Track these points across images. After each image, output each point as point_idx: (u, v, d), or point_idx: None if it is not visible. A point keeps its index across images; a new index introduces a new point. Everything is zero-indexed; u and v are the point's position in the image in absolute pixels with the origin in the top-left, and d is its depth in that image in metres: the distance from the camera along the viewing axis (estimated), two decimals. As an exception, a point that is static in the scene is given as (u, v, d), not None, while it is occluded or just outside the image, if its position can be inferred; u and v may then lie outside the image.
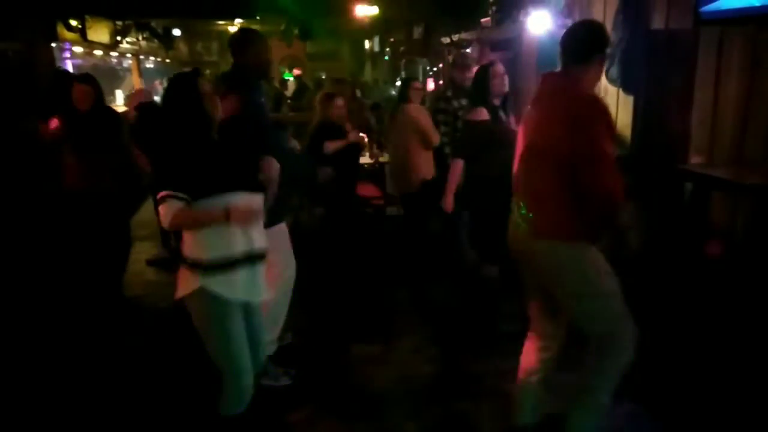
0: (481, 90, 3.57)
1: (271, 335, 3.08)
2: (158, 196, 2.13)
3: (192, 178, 2.12)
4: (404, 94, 4.60)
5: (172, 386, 3.22)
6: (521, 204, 2.38)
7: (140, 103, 4.49)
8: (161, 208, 2.12)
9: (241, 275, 2.20)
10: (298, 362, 3.34)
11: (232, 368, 2.27)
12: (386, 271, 4.78)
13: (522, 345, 2.63)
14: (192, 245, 2.19)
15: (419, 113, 4.43)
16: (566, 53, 2.30)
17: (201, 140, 2.20)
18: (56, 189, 4.02)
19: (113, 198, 4.07)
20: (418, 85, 4.69)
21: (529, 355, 2.58)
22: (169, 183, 2.11)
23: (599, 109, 2.15)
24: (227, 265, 2.17)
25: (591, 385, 2.36)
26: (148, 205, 4.89)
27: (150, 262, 5.32)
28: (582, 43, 2.28)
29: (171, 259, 5.30)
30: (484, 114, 3.51)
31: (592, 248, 2.28)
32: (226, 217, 2.11)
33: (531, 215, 2.31)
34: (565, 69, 2.31)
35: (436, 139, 4.37)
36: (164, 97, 2.35)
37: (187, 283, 2.20)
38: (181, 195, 2.10)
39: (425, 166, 4.45)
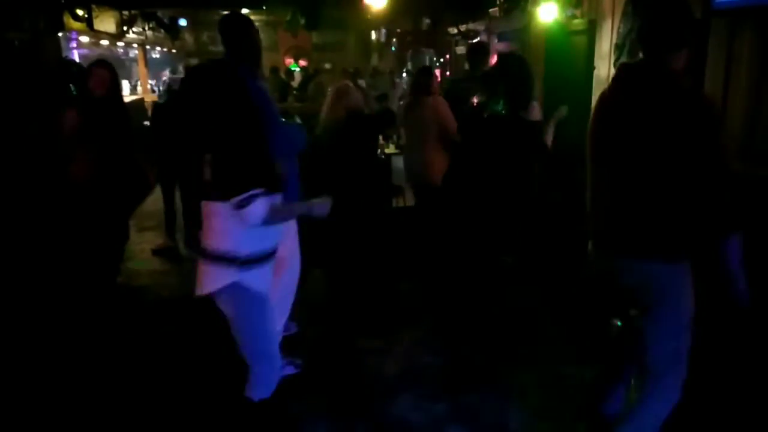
0: (528, 84, 3.45)
1: (277, 325, 3.09)
2: (246, 196, 2.10)
3: (273, 173, 2.21)
4: (426, 85, 4.44)
5: (180, 375, 3.23)
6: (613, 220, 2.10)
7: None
8: (255, 206, 2.11)
9: (266, 269, 2.30)
10: (303, 352, 3.34)
11: (266, 355, 2.37)
12: (393, 261, 4.77)
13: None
14: (227, 240, 2.20)
15: (444, 106, 4.31)
16: (653, 41, 1.97)
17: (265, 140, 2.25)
18: (59, 179, 4.00)
19: (116, 190, 4.06)
20: (436, 75, 4.58)
21: None
22: (255, 181, 2.12)
23: (708, 102, 1.95)
24: (261, 259, 2.25)
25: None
26: (152, 197, 4.89)
27: (156, 252, 5.34)
28: (668, 28, 1.96)
29: (176, 249, 5.37)
30: (537, 112, 3.45)
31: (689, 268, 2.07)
32: (310, 209, 2.33)
33: (635, 240, 2.04)
34: (656, 60, 1.97)
35: (455, 132, 4.27)
36: (220, 96, 2.27)
37: (218, 278, 2.22)
38: (266, 192, 2.14)
39: (444, 160, 4.38)
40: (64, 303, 3.96)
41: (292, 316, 3.39)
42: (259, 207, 2.12)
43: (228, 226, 2.18)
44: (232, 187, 2.11)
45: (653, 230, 1.98)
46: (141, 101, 9.98)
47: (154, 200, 5.38)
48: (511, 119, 3.43)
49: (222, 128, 2.17)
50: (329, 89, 4.27)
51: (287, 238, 3.11)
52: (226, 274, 2.20)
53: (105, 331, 3.72)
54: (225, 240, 2.20)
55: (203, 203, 2.25)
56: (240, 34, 2.82)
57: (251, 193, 2.09)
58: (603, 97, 2.17)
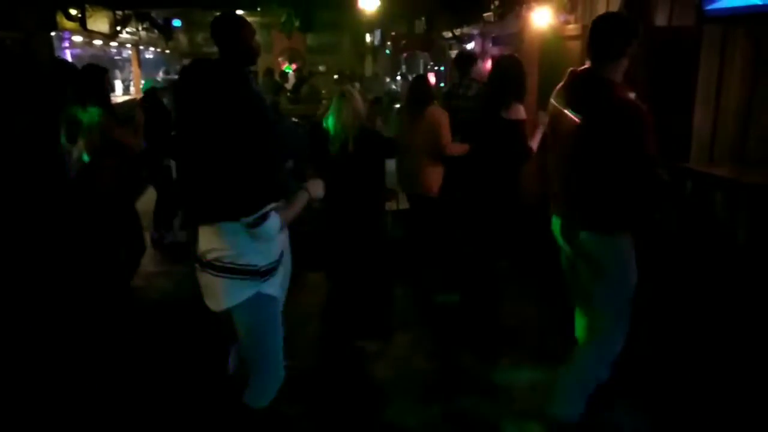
0: (510, 84, 3.47)
1: None
2: (259, 215, 2.04)
3: (278, 181, 2.20)
4: (429, 95, 4.39)
5: (171, 378, 3.22)
6: (562, 199, 2.51)
7: None
8: (269, 223, 2.07)
9: (278, 276, 2.33)
10: (296, 355, 3.33)
11: (273, 364, 2.37)
12: (387, 265, 4.76)
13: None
14: (245, 255, 2.15)
15: (443, 117, 4.26)
16: (597, 49, 2.26)
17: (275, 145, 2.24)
18: (86, 189, 3.93)
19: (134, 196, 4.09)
20: (430, 82, 4.57)
21: None
22: (265, 197, 2.07)
23: (643, 113, 2.19)
24: (276, 267, 2.27)
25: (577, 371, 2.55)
26: (143, 198, 4.88)
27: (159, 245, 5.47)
28: (614, 38, 2.24)
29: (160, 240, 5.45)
30: (523, 112, 3.46)
31: (630, 239, 2.42)
32: (309, 195, 2.33)
33: (573, 209, 2.45)
34: (597, 66, 2.28)
35: (449, 143, 4.26)
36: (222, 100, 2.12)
37: (241, 291, 2.19)
38: (277, 205, 2.13)
39: (440, 171, 4.37)
40: (71, 305, 3.95)
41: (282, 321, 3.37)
42: (274, 222, 2.10)
43: (244, 241, 2.13)
44: (242, 208, 2.04)
45: (596, 209, 2.36)
46: (134, 102, 9.94)
47: (146, 200, 5.37)
48: (487, 118, 3.44)
49: (225, 137, 2.03)
50: (331, 93, 4.24)
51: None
52: (249, 285, 2.19)
53: (106, 334, 3.71)
54: (243, 255, 2.16)
55: (207, 224, 2.17)
56: (233, 32, 2.76)
57: (263, 211, 2.05)
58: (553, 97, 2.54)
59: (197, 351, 3.50)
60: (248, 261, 2.16)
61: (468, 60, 5.20)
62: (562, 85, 2.49)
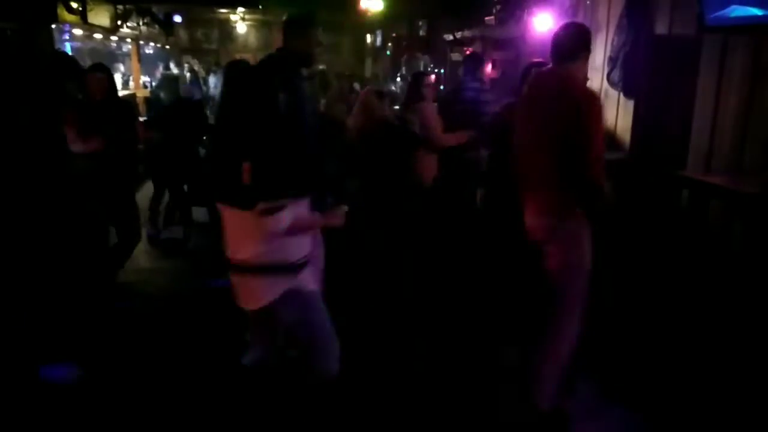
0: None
1: None
2: (272, 206, 2.08)
3: (301, 181, 2.18)
4: (419, 92, 4.45)
5: (168, 373, 3.21)
6: (529, 191, 2.66)
7: None
8: (280, 216, 2.09)
9: (312, 265, 2.38)
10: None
11: (330, 345, 2.39)
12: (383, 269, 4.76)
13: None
14: (276, 251, 2.18)
15: (429, 111, 4.34)
16: (558, 52, 2.54)
17: (305, 143, 2.23)
18: (59, 177, 3.93)
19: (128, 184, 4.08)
20: (429, 80, 4.62)
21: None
22: (281, 190, 2.10)
23: (596, 104, 2.39)
24: (306, 261, 2.30)
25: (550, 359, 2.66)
26: (140, 193, 4.87)
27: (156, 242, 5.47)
28: (573, 42, 2.53)
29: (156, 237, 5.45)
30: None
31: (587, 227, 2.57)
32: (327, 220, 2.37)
33: (536, 199, 2.60)
34: (558, 66, 2.54)
35: (440, 141, 4.32)
36: (248, 97, 2.18)
37: (274, 288, 2.23)
38: (288, 200, 2.12)
39: (432, 166, 4.41)
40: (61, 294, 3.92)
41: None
42: (282, 217, 2.10)
43: (272, 237, 2.15)
44: (261, 193, 2.09)
45: (549, 197, 2.54)
46: (132, 97, 9.91)
47: (142, 196, 5.35)
48: None
49: (261, 129, 2.11)
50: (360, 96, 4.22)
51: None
52: (282, 282, 2.22)
53: (97, 327, 3.69)
54: (274, 251, 2.18)
55: (236, 216, 2.19)
56: (302, 30, 2.65)
57: (278, 203, 2.08)
58: (522, 94, 2.82)
59: (194, 347, 3.50)
60: (279, 258, 2.19)
61: (476, 61, 5.27)
62: (529, 81, 2.80)
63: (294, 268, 2.24)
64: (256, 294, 2.24)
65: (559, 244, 2.58)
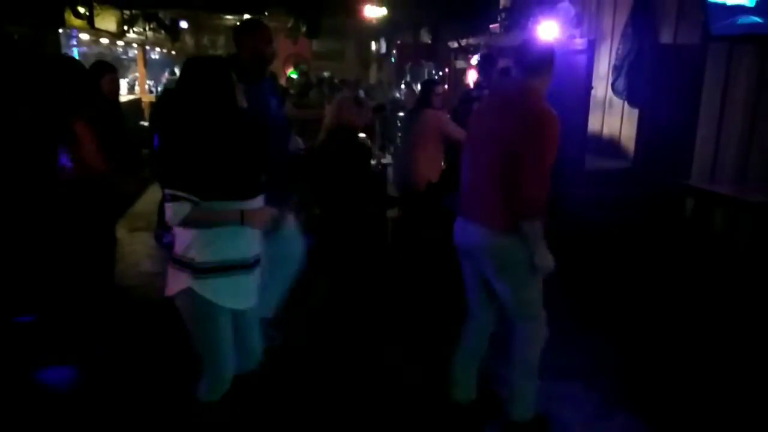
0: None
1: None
2: (168, 193, 2.03)
3: (216, 182, 2.05)
4: (427, 99, 4.54)
5: (165, 377, 3.20)
6: (471, 201, 2.60)
7: None
8: (171, 206, 2.03)
9: (230, 281, 2.16)
10: (290, 364, 3.32)
11: (213, 364, 2.25)
12: (382, 273, 4.76)
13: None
14: (187, 245, 2.12)
15: (441, 119, 4.39)
16: (521, 66, 2.53)
17: (231, 140, 2.11)
18: (55, 179, 3.93)
19: (113, 190, 4.04)
20: (439, 89, 4.69)
21: (470, 339, 2.81)
22: (184, 182, 2.02)
23: (555, 125, 2.37)
24: (219, 269, 2.13)
25: (524, 371, 2.62)
26: (143, 198, 4.87)
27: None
28: (537, 58, 2.53)
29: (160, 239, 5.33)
30: None
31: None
32: (241, 220, 2.09)
33: (479, 210, 2.53)
34: (520, 80, 2.53)
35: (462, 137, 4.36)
36: (189, 86, 2.15)
37: (176, 282, 2.15)
38: (193, 198, 2.02)
39: (431, 169, 4.43)
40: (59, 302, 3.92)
41: (279, 326, 3.36)
42: (174, 207, 2.03)
43: (189, 234, 2.10)
44: (167, 180, 2.07)
45: (497, 208, 2.44)
46: (138, 101, 9.97)
47: (145, 201, 5.36)
48: None
49: (201, 127, 2.07)
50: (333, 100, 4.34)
51: (291, 242, 3.10)
52: (181, 278, 2.12)
53: (97, 332, 3.69)
54: (183, 243, 2.13)
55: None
56: (240, 37, 2.81)
57: (174, 192, 2.01)
58: (482, 101, 2.80)
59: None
60: (184, 253, 2.11)
61: (490, 62, 5.29)
62: (491, 87, 2.71)
63: (196, 270, 2.10)
64: (167, 282, 2.19)
65: (493, 258, 2.53)
